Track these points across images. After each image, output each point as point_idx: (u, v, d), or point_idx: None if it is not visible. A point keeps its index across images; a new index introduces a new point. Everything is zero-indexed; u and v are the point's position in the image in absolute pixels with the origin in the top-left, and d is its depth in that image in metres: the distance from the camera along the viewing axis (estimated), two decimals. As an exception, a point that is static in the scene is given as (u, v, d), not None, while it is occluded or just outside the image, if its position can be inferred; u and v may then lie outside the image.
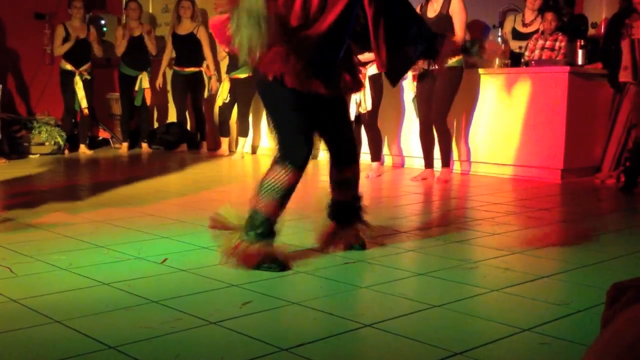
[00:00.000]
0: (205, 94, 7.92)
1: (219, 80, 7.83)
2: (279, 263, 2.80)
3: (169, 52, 8.12)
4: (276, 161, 2.82)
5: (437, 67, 3.22)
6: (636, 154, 5.30)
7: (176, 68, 8.00)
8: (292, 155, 2.79)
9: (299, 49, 2.68)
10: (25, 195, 4.73)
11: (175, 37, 7.93)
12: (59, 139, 7.65)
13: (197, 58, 7.91)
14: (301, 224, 3.62)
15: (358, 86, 3.06)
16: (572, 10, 6.73)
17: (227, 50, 7.22)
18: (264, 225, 2.79)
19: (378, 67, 3.02)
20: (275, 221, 2.84)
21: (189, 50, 7.89)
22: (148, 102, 8.11)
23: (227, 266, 2.83)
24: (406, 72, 3.19)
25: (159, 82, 8.13)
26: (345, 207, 3.13)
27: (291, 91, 2.73)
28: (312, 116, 2.87)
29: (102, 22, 8.69)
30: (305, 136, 2.83)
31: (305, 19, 2.68)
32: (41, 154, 7.49)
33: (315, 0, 2.68)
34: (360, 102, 5.80)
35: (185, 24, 7.89)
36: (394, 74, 3.05)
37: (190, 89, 8.01)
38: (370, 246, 3.22)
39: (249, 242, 2.77)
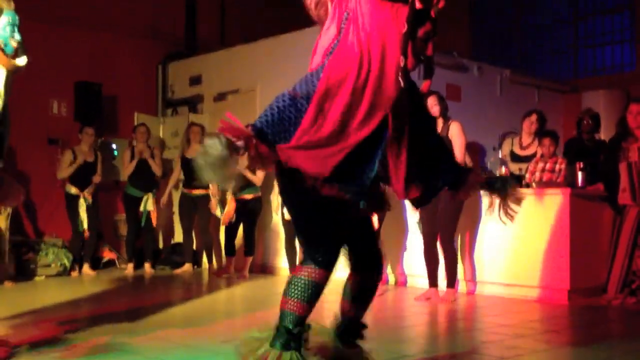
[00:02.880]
0: (218, 214, 7.98)
1: (224, 200, 7.95)
2: None
3: (177, 174, 8.33)
4: (304, 260, 2.77)
5: (461, 198, 3.21)
6: None
7: (184, 190, 8.16)
8: (316, 257, 2.72)
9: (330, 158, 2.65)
10: (27, 321, 4.70)
11: (184, 160, 8.12)
12: (65, 261, 7.68)
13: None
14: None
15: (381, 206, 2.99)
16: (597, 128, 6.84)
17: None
18: (294, 327, 2.68)
19: (398, 195, 2.89)
20: (304, 322, 2.73)
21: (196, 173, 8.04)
22: (154, 223, 8.20)
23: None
24: (429, 201, 3.16)
25: (164, 200, 8.29)
26: (354, 326, 3.01)
27: (318, 193, 2.65)
28: (338, 216, 2.80)
29: (114, 146, 8.96)
30: (331, 237, 2.75)
31: (339, 130, 2.66)
32: (47, 276, 7.50)
33: (357, 118, 2.69)
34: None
35: (194, 148, 8.11)
36: (417, 201, 2.98)
37: (197, 211, 8.11)
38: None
39: (277, 353, 2.63)
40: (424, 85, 2.91)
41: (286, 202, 2.94)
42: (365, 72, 2.71)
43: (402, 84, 2.72)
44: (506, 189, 3.14)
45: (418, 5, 2.73)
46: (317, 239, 2.76)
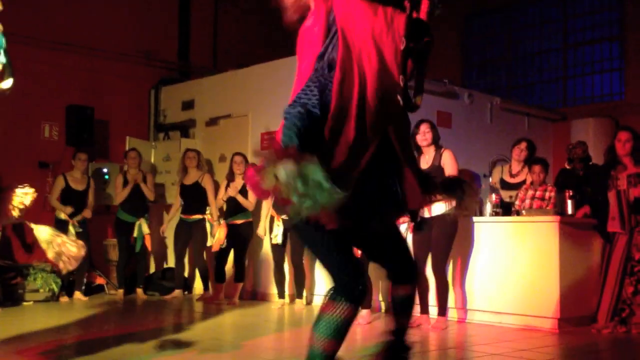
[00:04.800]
0: (209, 242, 7.96)
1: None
2: None
3: (177, 203, 8.22)
4: (330, 297, 2.70)
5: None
6: None
7: (182, 216, 8.14)
8: (344, 291, 2.67)
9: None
10: (15, 345, 4.64)
11: (183, 187, 8.13)
12: (54, 286, 7.62)
13: (201, 206, 8.05)
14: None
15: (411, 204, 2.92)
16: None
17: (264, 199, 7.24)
18: None
19: (411, 204, 2.89)
20: (333, 358, 2.68)
21: (194, 198, 8.05)
22: (149, 247, 8.16)
23: None
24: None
25: (163, 228, 8.24)
26: (396, 346, 2.99)
27: (332, 231, 2.60)
28: (360, 242, 2.85)
29: (105, 170, 8.94)
30: (355, 271, 2.72)
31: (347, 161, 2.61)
32: (35, 301, 7.43)
33: (363, 139, 2.64)
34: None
35: (191, 174, 8.11)
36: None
37: (193, 236, 8.08)
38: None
39: None
40: (417, 101, 2.78)
41: (302, 238, 2.89)
42: (361, 94, 2.64)
43: (401, 102, 2.67)
44: (463, 197, 3.08)
45: (416, 14, 2.61)
46: (340, 274, 2.71)
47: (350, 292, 2.66)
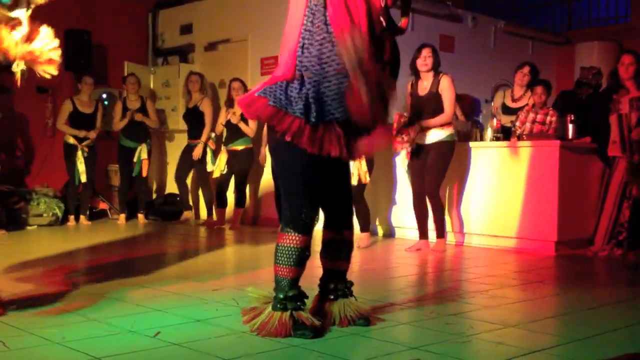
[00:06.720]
0: (208, 167, 7.98)
1: (216, 151, 7.91)
2: (310, 329, 2.88)
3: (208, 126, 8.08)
4: (283, 227, 2.94)
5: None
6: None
7: (189, 141, 8.15)
8: (295, 223, 2.90)
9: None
10: (20, 268, 4.73)
11: (186, 111, 8.12)
12: (57, 211, 7.69)
13: (201, 130, 8.03)
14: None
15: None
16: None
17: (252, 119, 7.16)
18: (289, 290, 2.89)
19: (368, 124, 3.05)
20: (298, 282, 2.94)
21: (194, 123, 8.04)
22: (144, 173, 8.17)
23: (219, 339, 2.83)
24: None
25: (197, 152, 7.98)
26: (333, 278, 3.16)
27: (303, 154, 2.84)
28: (319, 179, 2.97)
29: (104, 95, 8.87)
30: (310, 203, 2.92)
31: None
32: (39, 225, 7.52)
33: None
34: (358, 174, 5.89)
35: (193, 98, 8.08)
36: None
37: (195, 161, 8.08)
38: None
39: (280, 312, 2.88)
40: (402, 22, 2.99)
41: (276, 161, 3.05)
42: (357, 20, 2.80)
43: (383, 23, 2.86)
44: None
45: None
46: (297, 204, 2.90)
47: (300, 223, 2.89)
